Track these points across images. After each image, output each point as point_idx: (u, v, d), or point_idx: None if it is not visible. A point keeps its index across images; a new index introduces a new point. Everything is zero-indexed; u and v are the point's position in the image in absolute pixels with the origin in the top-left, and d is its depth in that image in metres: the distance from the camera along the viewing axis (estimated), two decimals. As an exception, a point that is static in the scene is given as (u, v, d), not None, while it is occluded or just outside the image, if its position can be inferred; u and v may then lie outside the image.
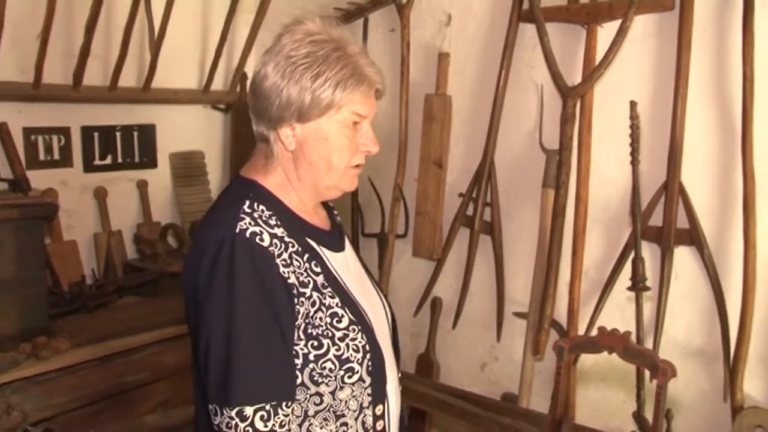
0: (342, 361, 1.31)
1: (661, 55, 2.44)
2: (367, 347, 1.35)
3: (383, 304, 1.54)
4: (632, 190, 2.45)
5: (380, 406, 1.39)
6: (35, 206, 2.55)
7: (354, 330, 1.34)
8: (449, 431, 3.10)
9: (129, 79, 3.22)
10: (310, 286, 1.33)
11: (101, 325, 2.66)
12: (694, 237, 2.37)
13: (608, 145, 2.57)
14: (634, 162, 2.42)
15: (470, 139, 2.98)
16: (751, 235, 2.20)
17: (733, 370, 2.26)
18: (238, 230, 1.27)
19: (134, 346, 2.64)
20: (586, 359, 2.60)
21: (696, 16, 2.31)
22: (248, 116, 3.65)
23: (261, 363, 1.25)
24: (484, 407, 2.44)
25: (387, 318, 1.53)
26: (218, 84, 3.59)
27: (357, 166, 1.42)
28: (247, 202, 1.33)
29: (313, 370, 1.31)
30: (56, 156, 3.06)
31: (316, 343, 1.31)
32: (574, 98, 2.55)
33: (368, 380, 1.36)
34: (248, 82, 3.63)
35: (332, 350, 1.31)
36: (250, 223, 1.29)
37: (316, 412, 1.34)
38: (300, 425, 1.33)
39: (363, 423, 1.37)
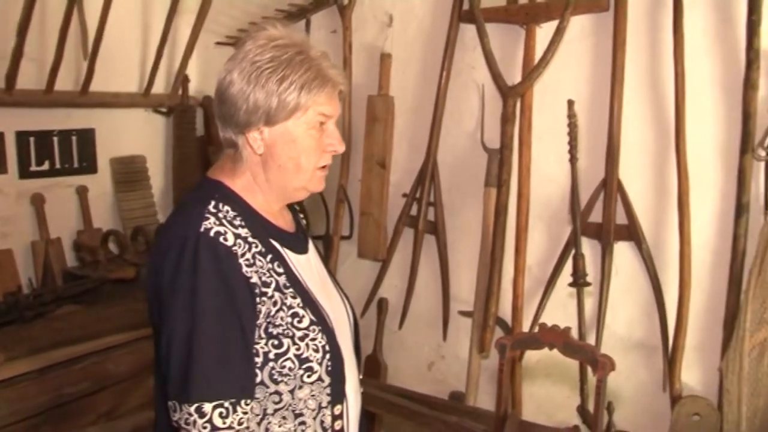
0: (301, 360, 1.34)
1: (598, 54, 2.48)
2: (327, 347, 1.37)
3: (345, 307, 1.56)
4: (571, 187, 2.49)
5: (339, 406, 1.41)
6: (-34, 214, 2.47)
7: (314, 330, 1.36)
8: (398, 432, 3.11)
9: (66, 82, 3.15)
10: (273, 286, 1.35)
11: (39, 336, 2.58)
12: (632, 233, 2.42)
13: (548, 143, 2.60)
14: (573, 160, 2.46)
15: (413, 140, 3.00)
16: (686, 230, 2.27)
17: (671, 360, 2.32)
18: (202, 229, 1.29)
19: (74, 356, 2.58)
20: (532, 355, 2.64)
21: (630, 17, 2.36)
22: (190, 119, 3.60)
23: (221, 361, 1.27)
24: (430, 406, 2.45)
25: (349, 320, 1.55)
26: (159, 87, 3.53)
27: (324, 167, 1.44)
28: (213, 203, 1.35)
29: (272, 368, 1.33)
30: (-11, 162, 2.97)
31: (276, 342, 1.33)
32: (514, 98, 2.58)
33: (327, 380, 1.38)
34: (190, 84, 3.62)
35: (292, 349, 1.33)
36: (214, 223, 1.31)
37: (275, 411, 1.35)
38: (259, 423, 1.35)
39: (321, 422, 1.39)
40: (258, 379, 1.33)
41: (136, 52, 3.50)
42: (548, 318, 2.53)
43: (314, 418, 1.38)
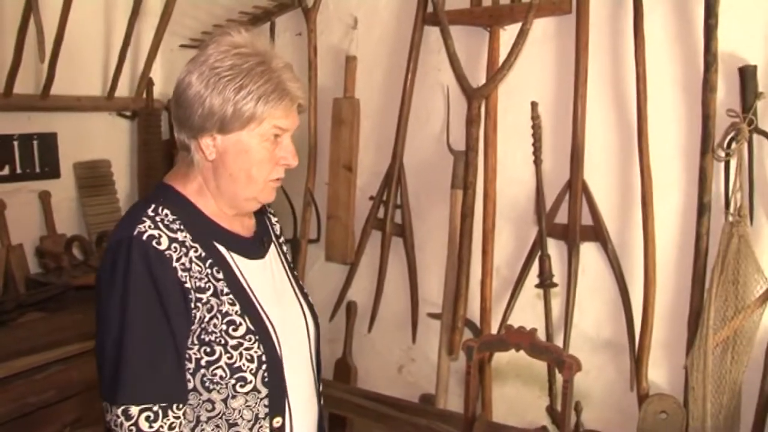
0: (233, 369, 1.31)
1: (561, 56, 2.50)
2: (264, 358, 1.35)
3: (305, 316, 1.53)
4: (536, 189, 2.50)
5: (279, 419, 1.38)
6: None
7: (250, 339, 1.34)
8: (368, 435, 3.10)
9: (27, 85, 3.09)
10: (209, 291, 1.33)
11: (1, 345, 2.53)
12: (598, 233, 2.44)
13: (514, 145, 2.62)
14: (537, 161, 2.47)
15: (379, 142, 2.99)
16: (650, 230, 2.29)
17: (638, 359, 2.34)
18: (135, 233, 1.29)
19: (38, 364, 2.52)
20: (502, 357, 2.64)
21: (592, 20, 2.39)
22: (155, 123, 3.55)
23: (150, 365, 1.26)
24: (400, 409, 2.45)
25: (307, 330, 1.52)
26: (123, 90, 3.49)
27: (277, 179, 1.42)
28: (153, 206, 1.34)
29: (204, 375, 1.32)
30: (-53, 167, 2.91)
31: (208, 349, 1.32)
32: (479, 99, 2.58)
33: (264, 391, 1.35)
34: (154, 88, 3.58)
35: (224, 358, 1.32)
36: (149, 227, 1.30)
37: (209, 418, 1.34)
38: (192, 430, 1.34)
39: None
40: (191, 386, 1.32)
41: (99, 54, 3.45)
42: (517, 319, 2.55)
43: (250, 429, 1.36)
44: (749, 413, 2.16)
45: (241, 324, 1.34)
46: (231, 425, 1.34)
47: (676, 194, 2.31)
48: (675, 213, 2.32)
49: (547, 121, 2.52)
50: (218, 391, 1.32)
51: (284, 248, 1.65)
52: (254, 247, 1.48)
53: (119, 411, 1.24)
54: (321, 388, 1.61)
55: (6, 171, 3.12)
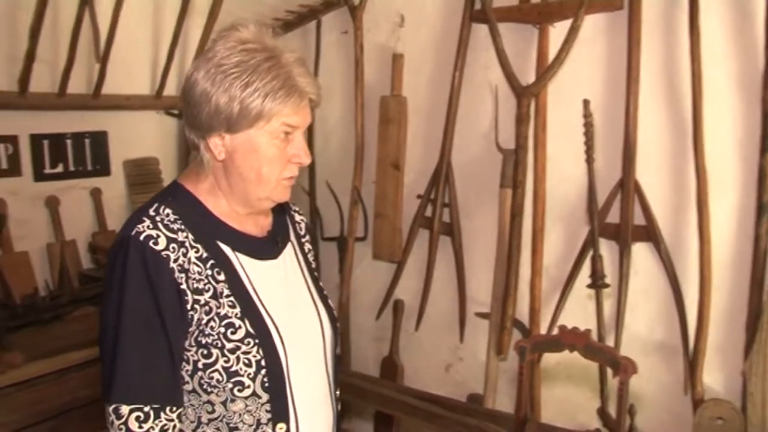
0: (230, 373, 1.28)
1: (612, 53, 2.46)
2: (263, 362, 1.30)
3: (320, 319, 1.49)
4: (588, 188, 2.47)
5: (282, 425, 1.34)
6: (-17, 218, 2.48)
7: (249, 343, 1.30)
8: (415, 434, 3.11)
9: (79, 85, 3.14)
10: (208, 293, 1.30)
11: (57, 338, 2.59)
12: (650, 233, 2.40)
13: (563, 143, 2.59)
14: (589, 160, 2.44)
15: (427, 141, 2.98)
16: (706, 230, 2.25)
17: (692, 363, 2.30)
18: (133, 233, 1.26)
19: (91, 358, 2.57)
20: (551, 357, 2.62)
21: (645, 15, 2.34)
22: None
23: (142, 365, 1.24)
24: (449, 409, 2.44)
25: (322, 333, 1.48)
26: (171, 89, 3.52)
27: (290, 177, 1.38)
28: (155, 206, 1.32)
29: (201, 378, 1.29)
30: (4, 165, 2.97)
31: (205, 352, 1.29)
32: (528, 98, 2.56)
33: (265, 396, 1.31)
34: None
35: (221, 361, 1.28)
36: (148, 227, 1.27)
37: (209, 420, 1.32)
38: (194, 430, 1.33)
39: None
40: (189, 387, 1.30)
41: (148, 54, 3.49)
42: (566, 320, 2.52)
43: None
44: (809, 419, 2.11)
45: (240, 327, 1.30)
46: (232, 429, 1.32)
47: (733, 194, 2.26)
48: (732, 213, 2.27)
49: (597, 119, 2.48)
50: (216, 394, 1.30)
51: (306, 248, 1.60)
52: (266, 248, 1.44)
53: (110, 409, 1.23)
54: (338, 393, 1.56)
55: (60, 168, 3.18)
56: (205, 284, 1.30)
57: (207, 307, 1.29)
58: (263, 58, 1.27)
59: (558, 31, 2.52)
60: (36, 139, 3.08)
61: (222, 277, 1.32)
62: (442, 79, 2.87)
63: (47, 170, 3.13)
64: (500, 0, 2.65)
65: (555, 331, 2.52)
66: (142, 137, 3.52)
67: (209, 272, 1.31)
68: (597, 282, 2.45)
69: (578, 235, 2.58)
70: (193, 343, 1.29)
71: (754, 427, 2.07)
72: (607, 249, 2.50)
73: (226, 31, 1.32)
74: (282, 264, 1.46)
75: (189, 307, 1.28)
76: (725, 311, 2.29)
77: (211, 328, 1.29)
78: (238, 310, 1.31)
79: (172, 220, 1.30)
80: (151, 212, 1.30)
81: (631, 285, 2.45)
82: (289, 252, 1.50)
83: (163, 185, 3.57)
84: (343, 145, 3.29)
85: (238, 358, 1.28)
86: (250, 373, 1.29)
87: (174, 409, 1.27)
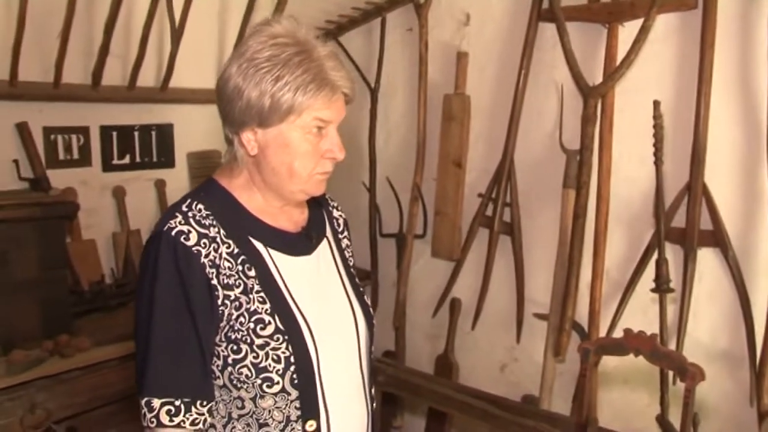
0: (259, 369, 1.29)
1: (684, 54, 2.41)
2: (292, 359, 1.31)
3: (354, 316, 1.48)
4: (656, 190, 2.42)
5: (312, 422, 1.35)
6: (57, 205, 2.57)
7: (278, 339, 1.31)
8: (468, 433, 3.10)
9: (147, 78, 3.23)
10: (239, 288, 1.31)
11: (121, 325, 2.66)
12: (718, 238, 2.34)
13: (629, 144, 2.55)
14: (658, 162, 2.39)
15: (490, 139, 2.97)
16: (777, 236, 2.19)
17: (759, 374, 2.23)
18: (166, 228, 1.28)
19: (153, 347, 2.64)
20: (609, 361, 2.58)
21: (720, 15, 2.28)
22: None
23: (172, 360, 1.25)
24: (505, 409, 2.42)
25: (356, 330, 1.48)
26: (235, 84, 3.58)
27: (324, 172, 1.38)
28: (188, 201, 1.34)
29: (231, 373, 1.30)
30: (75, 155, 3.07)
31: (235, 348, 1.30)
32: (595, 98, 2.53)
33: (294, 393, 1.32)
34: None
35: (250, 357, 1.29)
36: (180, 222, 1.29)
37: (240, 416, 1.33)
38: (225, 426, 1.34)
39: None
40: (220, 382, 1.32)
41: (213, 49, 3.56)
42: (625, 323, 2.47)
43: (281, 431, 1.33)
44: None
45: (270, 323, 1.31)
46: (261, 425, 1.32)
47: (810, 200, 2.20)
48: (807, 220, 2.21)
49: (666, 120, 2.43)
50: (246, 390, 1.30)
51: (344, 244, 1.60)
52: (300, 243, 1.44)
53: (143, 402, 1.25)
54: (374, 392, 1.55)
55: (126, 159, 3.27)
56: (235, 280, 1.31)
57: (237, 303, 1.30)
58: (294, 52, 1.28)
59: (627, 30, 2.48)
60: (105, 131, 3.18)
61: (253, 272, 1.33)
62: (507, 77, 2.85)
63: (115, 161, 3.23)
64: (567, -1, 2.63)
65: (615, 334, 2.51)
66: (206, 130, 3.58)
67: (240, 268, 1.32)
68: (662, 286, 2.40)
69: (641, 238, 2.54)
70: (224, 339, 1.30)
71: (824, 441, 2.01)
72: (671, 253, 2.45)
73: (259, 26, 1.34)
74: (316, 260, 1.46)
75: (219, 302, 1.29)
76: (796, 321, 2.22)
77: (241, 323, 1.30)
78: (268, 306, 1.32)
79: (204, 215, 1.32)
80: (184, 208, 1.32)
81: (695, 290, 2.40)
82: (324, 248, 1.50)
83: (225, 178, 3.66)
84: (405, 142, 3.30)
85: (267, 354, 1.29)
86: (278, 370, 1.29)
87: (204, 403, 1.28)
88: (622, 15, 2.49)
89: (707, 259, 2.40)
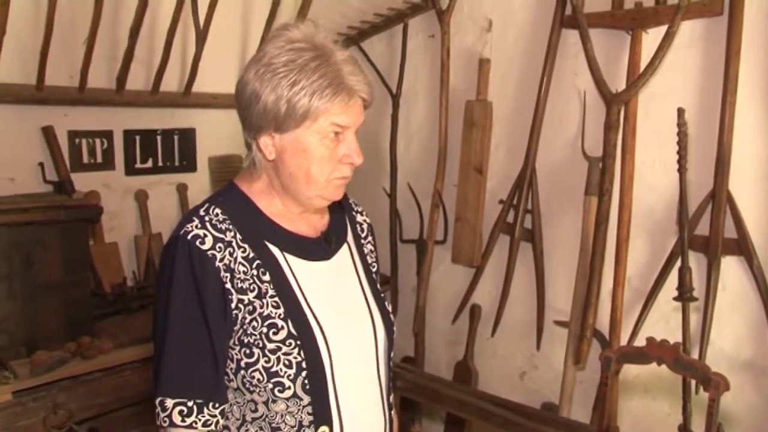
0: (270, 373, 1.29)
1: (709, 61, 2.39)
2: (304, 364, 1.30)
3: (373, 322, 1.47)
4: (679, 198, 2.40)
5: (325, 428, 1.34)
6: (81, 208, 2.59)
7: (290, 345, 1.31)
8: (487, 439, 3.08)
9: (170, 83, 3.25)
10: (253, 293, 1.31)
11: (142, 327, 2.68)
12: (742, 247, 2.32)
13: (653, 152, 2.53)
14: (682, 170, 2.37)
15: (511, 146, 2.96)
16: (803, 246, 2.16)
17: (783, 384, 2.21)
18: (182, 232, 1.29)
19: (173, 349, 2.65)
20: (629, 370, 2.56)
21: (746, 21, 2.27)
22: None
23: (186, 361, 1.27)
24: (524, 416, 2.40)
25: (375, 337, 1.46)
26: (257, 89, 3.59)
27: (342, 177, 1.37)
28: (206, 206, 1.35)
29: (243, 377, 1.31)
30: (99, 159, 3.09)
31: (247, 351, 1.30)
32: (618, 105, 2.52)
33: (306, 398, 1.32)
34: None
35: (262, 361, 1.30)
36: (196, 226, 1.30)
37: (253, 419, 1.34)
38: (239, 428, 1.35)
39: None
40: (234, 385, 1.32)
41: (236, 55, 3.58)
42: (647, 332, 2.46)
43: None
44: None
45: (282, 328, 1.31)
46: (274, 429, 1.33)
47: (834, 209, 2.17)
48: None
49: (690, 127, 2.41)
50: (258, 394, 1.31)
51: (366, 249, 1.59)
52: (318, 248, 1.44)
53: (157, 401, 1.26)
54: (392, 399, 1.54)
55: (149, 163, 3.30)
56: (250, 284, 1.31)
57: (250, 307, 1.31)
58: (311, 57, 1.28)
59: (651, 37, 2.48)
60: (129, 135, 3.21)
61: (267, 277, 1.33)
62: (529, 84, 2.85)
63: (138, 165, 3.25)
64: (591, 5, 2.61)
65: (637, 343, 2.48)
66: (228, 135, 3.60)
67: (255, 272, 1.32)
68: (685, 294, 2.38)
69: (663, 246, 2.52)
70: (237, 342, 1.31)
71: None
72: (694, 262, 2.43)
73: (277, 31, 1.34)
74: (335, 265, 1.46)
75: (233, 306, 1.30)
76: (822, 331, 2.20)
77: (254, 327, 1.30)
78: (281, 310, 1.32)
79: (220, 219, 1.33)
80: (201, 212, 1.33)
81: (719, 299, 2.37)
82: (344, 253, 1.50)
83: (246, 182, 3.68)
84: (426, 148, 3.30)
85: (278, 359, 1.29)
86: (290, 375, 1.30)
87: (217, 405, 1.29)
88: (645, 21, 2.48)
89: (731, 267, 2.38)
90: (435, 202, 3.15)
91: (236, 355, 1.31)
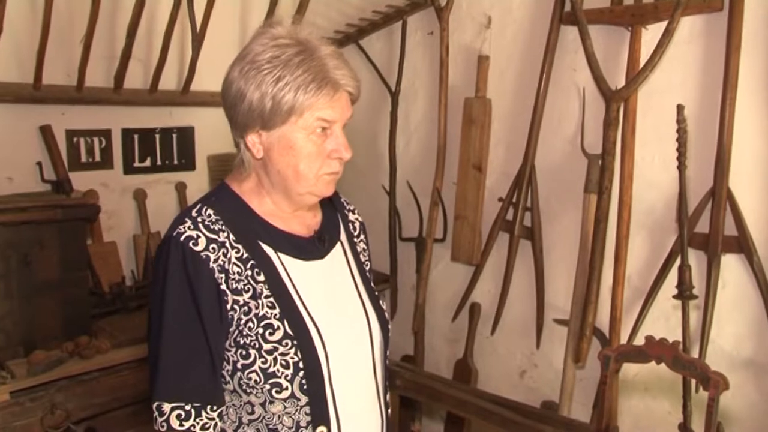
0: (267, 374, 1.28)
1: (709, 57, 2.38)
2: (301, 364, 1.30)
3: (368, 321, 1.47)
4: (679, 195, 2.39)
5: (323, 428, 1.33)
6: (79, 207, 2.58)
7: (286, 345, 1.30)
8: (487, 438, 3.07)
9: (168, 82, 3.25)
10: (248, 294, 1.31)
11: (141, 326, 2.66)
12: (742, 244, 2.31)
13: (652, 149, 2.52)
14: (681, 167, 2.35)
15: (510, 143, 2.95)
16: (804, 243, 2.15)
17: (784, 382, 2.20)
18: (175, 233, 1.28)
19: (171, 349, 2.65)
20: (629, 368, 2.55)
21: (746, 17, 2.25)
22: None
23: (182, 364, 1.26)
24: (524, 415, 2.39)
25: (370, 336, 1.46)
26: (255, 87, 3.59)
27: (332, 173, 1.36)
28: (198, 206, 1.34)
29: (240, 378, 1.30)
30: (97, 158, 3.09)
31: (244, 353, 1.29)
32: (617, 102, 2.50)
33: (304, 399, 1.31)
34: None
35: (258, 362, 1.29)
36: (189, 227, 1.29)
37: (250, 421, 1.33)
38: (235, 430, 1.34)
39: None
40: (230, 387, 1.31)
41: (234, 52, 3.51)
42: (648, 330, 2.46)
43: None
44: None
45: (278, 328, 1.30)
46: (271, 430, 1.32)
47: (835, 206, 2.16)
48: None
49: (689, 124, 2.39)
50: (255, 395, 1.30)
51: (359, 248, 1.58)
52: (312, 247, 1.43)
53: (154, 406, 1.26)
54: (389, 398, 1.54)
55: (148, 162, 3.29)
56: (244, 285, 1.31)
57: (246, 308, 1.30)
58: (294, 52, 1.27)
59: (650, 33, 2.46)
60: (127, 134, 3.20)
61: (261, 277, 1.32)
62: (528, 81, 2.83)
63: (136, 164, 3.25)
64: (590, 1, 2.59)
65: (637, 341, 2.47)
66: (226, 133, 3.50)
67: (249, 272, 1.32)
68: (684, 293, 2.37)
69: (663, 243, 2.51)
70: (233, 344, 1.30)
71: None
72: (694, 259, 2.41)
73: (262, 29, 1.34)
74: (329, 264, 1.45)
75: (228, 307, 1.29)
76: (823, 329, 2.18)
77: (249, 328, 1.29)
78: (277, 311, 1.31)
79: (213, 220, 1.31)
80: (194, 213, 1.32)
81: (719, 297, 2.36)
82: (337, 252, 1.49)
83: (245, 181, 3.67)
84: (425, 146, 3.29)
85: (275, 360, 1.28)
86: (287, 375, 1.29)
87: (214, 408, 1.28)
88: (645, 17, 2.46)
89: (731, 265, 2.36)
90: (434, 200, 3.14)
91: (232, 356, 1.30)
